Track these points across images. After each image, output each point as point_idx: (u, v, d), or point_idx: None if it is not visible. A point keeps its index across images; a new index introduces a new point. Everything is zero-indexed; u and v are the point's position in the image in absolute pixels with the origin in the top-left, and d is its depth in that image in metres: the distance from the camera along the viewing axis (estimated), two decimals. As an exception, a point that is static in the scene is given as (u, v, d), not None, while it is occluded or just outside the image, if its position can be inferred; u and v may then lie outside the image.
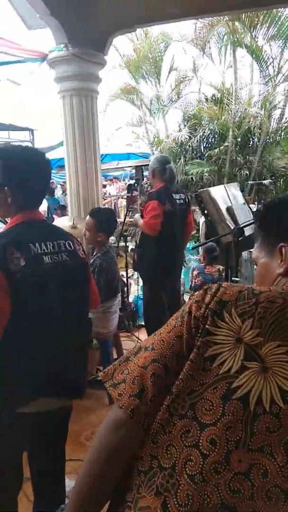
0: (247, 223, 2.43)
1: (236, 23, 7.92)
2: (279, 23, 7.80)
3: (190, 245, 4.84)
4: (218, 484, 0.59)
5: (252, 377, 0.61)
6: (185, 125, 9.22)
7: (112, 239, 3.68)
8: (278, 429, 0.59)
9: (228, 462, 0.59)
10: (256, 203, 4.74)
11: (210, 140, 9.26)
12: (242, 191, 6.37)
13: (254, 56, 8.29)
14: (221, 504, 0.58)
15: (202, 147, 9.28)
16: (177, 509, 0.60)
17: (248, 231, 2.75)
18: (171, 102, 9.77)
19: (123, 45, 9.23)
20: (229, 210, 2.74)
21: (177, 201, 3.32)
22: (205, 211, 2.61)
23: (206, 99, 9.51)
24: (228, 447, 0.59)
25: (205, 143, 9.33)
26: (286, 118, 8.83)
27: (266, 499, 0.57)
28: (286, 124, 8.78)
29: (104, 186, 10.11)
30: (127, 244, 4.32)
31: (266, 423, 0.59)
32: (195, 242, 5.80)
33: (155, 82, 9.62)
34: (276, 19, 7.79)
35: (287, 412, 0.59)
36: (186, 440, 0.62)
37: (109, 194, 10.11)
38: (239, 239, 2.40)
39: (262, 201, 5.34)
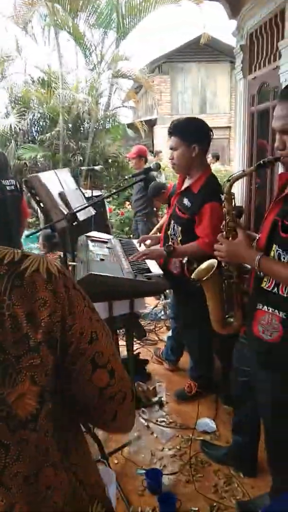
0: (80, 208, 2.48)
1: (58, 6, 7.80)
2: (98, 11, 8.02)
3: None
4: None
5: None
6: (12, 107, 8.75)
7: None
8: None
9: None
10: (91, 189, 4.85)
11: (41, 124, 9.03)
12: (76, 176, 6.45)
13: (77, 41, 8.33)
14: None
15: (33, 131, 8.98)
16: None
17: (81, 216, 2.81)
18: (-6, 81, 9.11)
19: None
20: (62, 195, 2.74)
21: (8, 187, 3.15)
22: (37, 197, 2.55)
23: (33, 81, 9.19)
24: None
25: (36, 127, 9.06)
26: (112, 106, 9.22)
27: None
28: (113, 112, 9.17)
29: None
30: None
31: None
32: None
33: (-26, 58, 8.80)
34: (96, 7, 7.99)
35: None
36: None
37: None
38: (73, 224, 2.42)
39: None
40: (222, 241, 1.51)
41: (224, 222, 1.52)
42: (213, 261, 1.66)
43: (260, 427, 1.86)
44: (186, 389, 2.65)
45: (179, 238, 2.26)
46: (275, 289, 1.39)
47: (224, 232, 1.52)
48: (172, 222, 2.33)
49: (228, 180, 1.49)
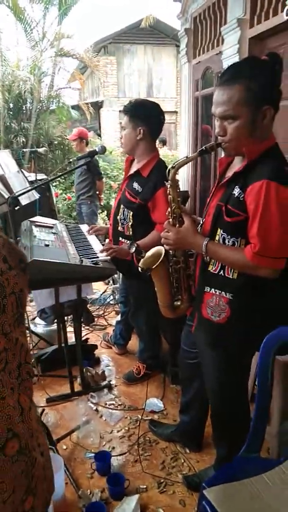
0: (22, 191, 2.39)
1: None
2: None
3: None
4: None
5: None
6: None
7: None
8: None
9: None
10: (35, 172, 4.66)
11: (-21, 102, 8.51)
12: (18, 159, 6.17)
13: (16, 16, 7.89)
14: None
15: (-29, 110, 8.44)
16: None
17: (24, 200, 2.71)
18: None
19: None
20: (2, 178, 2.62)
21: None
22: (-25, 181, 2.42)
23: None
24: None
25: (-26, 106, 8.52)
26: (57, 86, 8.89)
27: None
28: (57, 92, 8.84)
29: None
30: None
31: None
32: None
33: None
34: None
35: None
36: None
37: None
38: (16, 208, 2.33)
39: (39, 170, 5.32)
40: (169, 228, 1.52)
41: (170, 209, 1.53)
42: (160, 248, 1.67)
43: (208, 406, 1.94)
44: (134, 371, 2.70)
45: (130, 223, 2.26)
46: (221, 271, 1.45)
47: (171, 219, 1.54)
48: (121, 206, 2.32)
49: (173, 167, 1.49)
